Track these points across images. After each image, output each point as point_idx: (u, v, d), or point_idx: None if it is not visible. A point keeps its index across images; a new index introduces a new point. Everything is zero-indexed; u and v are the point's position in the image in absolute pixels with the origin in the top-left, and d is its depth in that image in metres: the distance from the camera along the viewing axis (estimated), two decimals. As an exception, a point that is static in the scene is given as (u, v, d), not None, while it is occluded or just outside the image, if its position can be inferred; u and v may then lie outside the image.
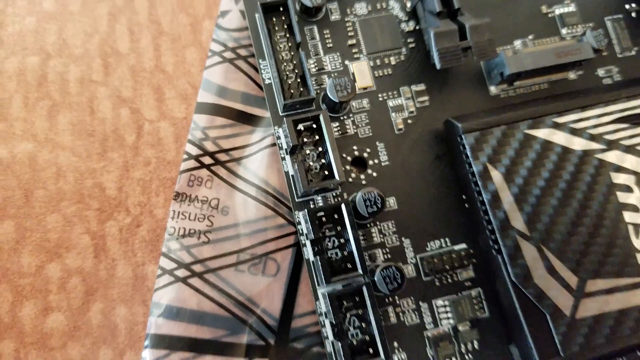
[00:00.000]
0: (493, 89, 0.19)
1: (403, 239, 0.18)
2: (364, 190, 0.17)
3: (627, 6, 0.21)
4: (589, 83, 0.20)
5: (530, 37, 0.20)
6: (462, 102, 0.19)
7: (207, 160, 0.18)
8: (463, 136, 0.17)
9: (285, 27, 0.18)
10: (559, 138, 0.17)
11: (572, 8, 0.20)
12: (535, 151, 0.17)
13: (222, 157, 0.18)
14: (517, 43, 0.20)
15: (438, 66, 0.17)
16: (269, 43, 0.17)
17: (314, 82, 0.18)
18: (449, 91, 0.19)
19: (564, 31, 0.20)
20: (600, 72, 0.20)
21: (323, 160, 0.17)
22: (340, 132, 0.18)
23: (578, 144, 0.17)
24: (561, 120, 0.18)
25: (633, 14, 0.21)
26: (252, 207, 0.18)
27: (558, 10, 0.20)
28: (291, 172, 0.17)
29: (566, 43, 0.19)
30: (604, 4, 0.21)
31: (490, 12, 0.20)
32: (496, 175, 0.17)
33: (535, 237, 0.17)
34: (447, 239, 0.18)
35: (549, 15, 0.20)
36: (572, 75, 0.20)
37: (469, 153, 0.17)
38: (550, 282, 0.17)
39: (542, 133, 0.17)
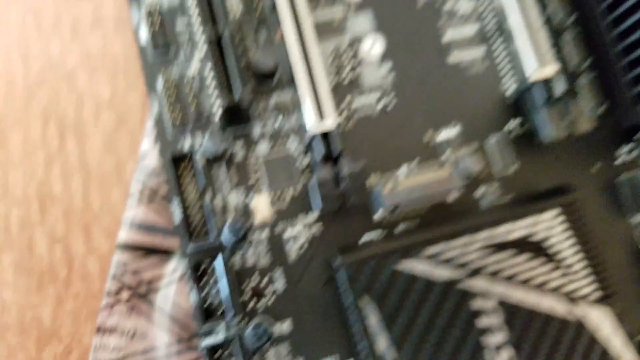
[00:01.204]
0: (376, 217, 0.22)
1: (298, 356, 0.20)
2: (250, 328, 0.19)
3: (506, 128, 0.23)
4: (467, 205, 0.22)
5: (415, 162, 0.22)
6: (350, 229, 0.21)
7: (125, 294, 0.20)
8: (337, 268, 0.20)
9: (194, 171, 0.21)
10: (424, 269, 0.20)
11: (456, 131, 0.23)
12: (403, 283, 0.19)
13: (141, 289, 0.21)
14: (403, 168, 0.22)
15: (320, 207, 0.20)
16: (176, 188, 0.20)
17: (223, 219, 0.20)
18: (340, 219, 0.21)
19: (443, 157, 0.23)
20: (478, 193, 0.22)
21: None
22: (240, 264, 0.21)
23: (443, 274, 0.20)
24: (429, 251, 0.20)
25: (513, 134, 0.23)
26: (166, 336, 0.20)
27: (444, 135, 0.23)
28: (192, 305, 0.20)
29: (439, 174, 0.21)
30: (488, 126, 0.23)
31: (377, 143, 0.22)
32: (366, 306, 0.19)
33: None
34: (337, 355, 0.20)
35: (435, 140, 0.23)
36: (450, 199, 0.22)
37: (340, 285, 0.20)
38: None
39: (409, 266, 0.20)
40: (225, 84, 0.19)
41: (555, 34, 0.24)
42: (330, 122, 0.20)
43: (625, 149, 0.24)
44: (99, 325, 0.20)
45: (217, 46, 0.19)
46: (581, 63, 0.24)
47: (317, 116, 0.20)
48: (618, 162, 0.24)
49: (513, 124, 0.23)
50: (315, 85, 0.20)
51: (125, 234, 0.21)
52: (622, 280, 0.23)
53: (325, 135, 0.20)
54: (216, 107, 0.19)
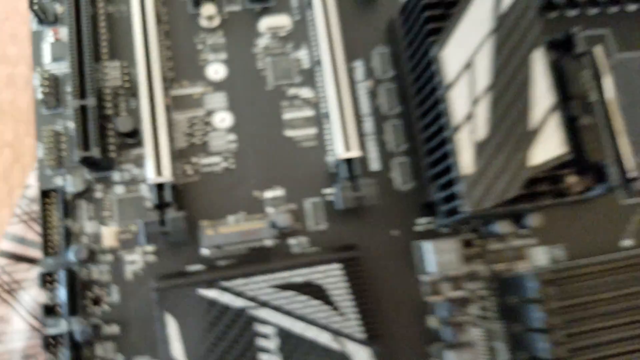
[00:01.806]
0: (202, 253, 0.27)
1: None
2: (79, 326, 0.24)
3: (323, 193, 0.29)
4: (281, 251, 0.27)
5: (242, 214, 0.28)
6: (179, 261, 0.27)
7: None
8: (153, 290, 0.25)
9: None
10: (222, 297, 0.25)
11: (280, 192, 0.28)
12: (204, 306, 0.24)
13: (11, 286, 0.27)
14: (230, 218, 0.28)
15: (144, 243, 0.26)
16: (43, 215, 0.26)
17: (78, 241, 0.26)
18: (172, 252, 0.27)
19: (267, 212, 0.28)
20: (292, 242, 0.28)
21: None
22: (87, 277, 0.26)
23: (238, 302, 0.25)
24: (230, 284, 0.25)
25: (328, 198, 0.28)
26: (23, 323, 0.26)
27: (269, 194, 0.28)
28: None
29: (255, 225, 0.26)
30: (308, 190, 0.29)
31: (215, 195, 0.27)
32: (169, 321, 0.24)
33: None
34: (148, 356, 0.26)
35: (262, 197, 0.28)
36: (267, 243, 0.27)
37: (154, 302, 0.25)
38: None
39: (211, 293, 0.25)
40: (82, 142, 0.25)
41: (381, 119, 0.30)
42: (164, 177, 0.26)
43: (423, 220, 0.29)
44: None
45: (81, 112, 0.25)
46: (398, 146, 0.29)
47: (154, 171, 0.25)
48: (417, 229, 0.29)
49: (328, 191, 0.29)
50: (158, 148, 0.26)
51: (5, 244, 0.27)
52: (399, 326, 0.28)
53: (161, 186, 0.26)
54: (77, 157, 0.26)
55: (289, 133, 0.29)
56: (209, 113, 0.29)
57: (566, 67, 0.28)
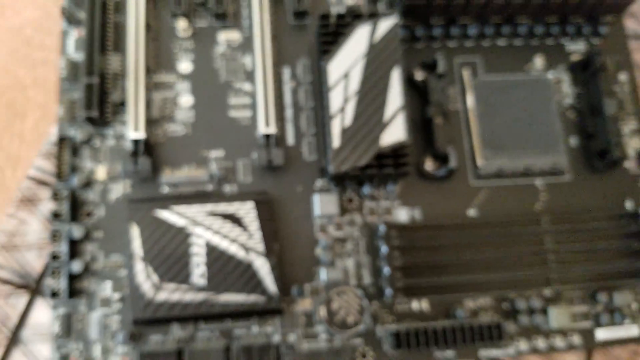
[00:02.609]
0: (163, 189, 0.39)
1: None
2: None
3: (253, 155, 0.40)
4: (218, 192, 0.39)
5: (193, 165, 0.40)
6: (147, 193, 0.39)
7: None
8: (129, 209, 0.37)
9: None
10: (173, 218, 0.37)
11: (221, 152, 0.40)
12: (159, 223, 0.36)
13: (34, 200, 0.39)
14: (184, 168, 0.39)
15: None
16: (58, 156, 0.38)
17: None
18: (142, 184, 0.39)
19: (211, 164, 0.40)
20: (225, 188, 0.39)
21: None
22: (85, 198, 0.38)
23: (181, 222, 0.37)
24: (176, 207, 0.37)
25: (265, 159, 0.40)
26: None
27: (211, 154, 0.40)
28: None
29: (200, 173, 0.38)
30: (243, 151, 0.40)
31: (175, 149, 0.40)
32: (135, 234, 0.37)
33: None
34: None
35: (206, 156, 0.40)
36: (208, 187, 0.39)
37: (128, 218, 0.37)
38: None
39: (164, 214, 0.37)
40: (87, 106, 0.37)
41: (298, 110, 0.41)
42: (140, 135, 0.38)
43: (320, 181, 0.41)
44: None
45: (88, 87, 0.38)
46: (309, 129, 0.41)
47: (134, 130, 0.38)
48: (315, 187, 0.41)
49: (255, 155, 0.40)
50: (137, 115, 0.38)
51: (32, 172, 0.40)
52: (295, 250, 0.39)
53: (137, 141, 0.38)
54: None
55: (232, 114, 0.41)
56: (177, 95, 0.41)
57: (431, 81, 0.40)
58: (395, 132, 0.36)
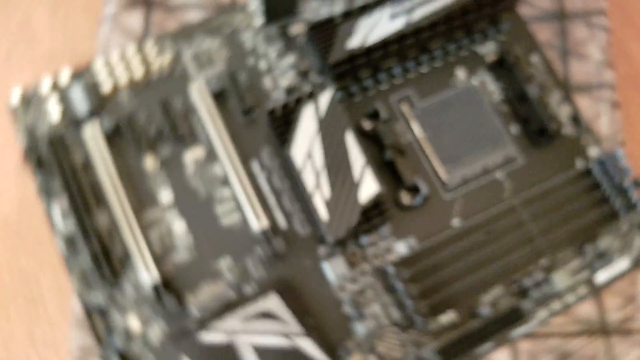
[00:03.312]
0: None
1: None
2: None
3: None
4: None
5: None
6: None
7: None
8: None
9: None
10: None
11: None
12: None
13: None
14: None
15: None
16: None
17: None
18: None
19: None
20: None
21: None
22: None
23: None
24: None
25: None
26: None
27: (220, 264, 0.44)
28: None
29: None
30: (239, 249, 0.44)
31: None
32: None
33: None
34: None
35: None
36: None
37: None
38: None
39: None
40: None
41: (278, 194, 0.45)
42: (154, 275, 0.41)
43: (322, 248, 0.45)
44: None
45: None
46: (294, 208, 0.45)
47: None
48: (319, 254, 0.44)
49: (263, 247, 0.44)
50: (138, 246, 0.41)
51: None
52: (318, 317, 0.43)
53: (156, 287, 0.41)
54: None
55: (224, 222, 0.45)
56: (169, 225, 0.44)
57: (379, 128, 0.45)
58: (369, 187, 0.41)
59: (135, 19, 0.55)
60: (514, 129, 0.48)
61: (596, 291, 0.45)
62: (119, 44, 0.53)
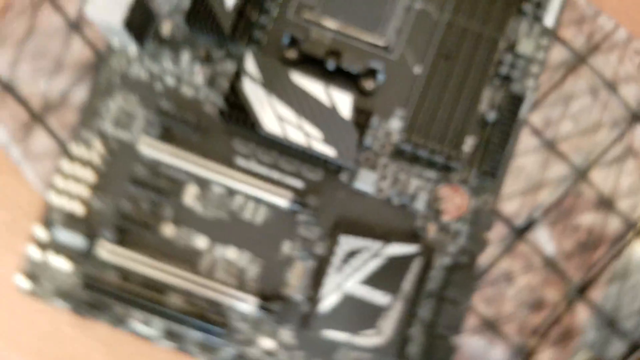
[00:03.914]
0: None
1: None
2: None
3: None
4: None
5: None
6: None
7: None
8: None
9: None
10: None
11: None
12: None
13: None
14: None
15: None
16: None
17: None
18: None
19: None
20: None
21: None
22: None
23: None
24: None
25: None
26: None
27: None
28: None
29: None
30: None
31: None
32: None
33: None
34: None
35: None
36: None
37: None
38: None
39: None
40: None
41: None
42: None
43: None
44: None
45: None
46: None
47: None
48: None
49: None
50: None
51: None
52: None
53: None
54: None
55: (258, 219, 0.47)
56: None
57: (305, 48, 0.45)
58: (343, 101, 0.43)
59: (40, 140, 0.51)
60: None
61: (554, 33, 0.49)
62: (49, 170, 0.50)
